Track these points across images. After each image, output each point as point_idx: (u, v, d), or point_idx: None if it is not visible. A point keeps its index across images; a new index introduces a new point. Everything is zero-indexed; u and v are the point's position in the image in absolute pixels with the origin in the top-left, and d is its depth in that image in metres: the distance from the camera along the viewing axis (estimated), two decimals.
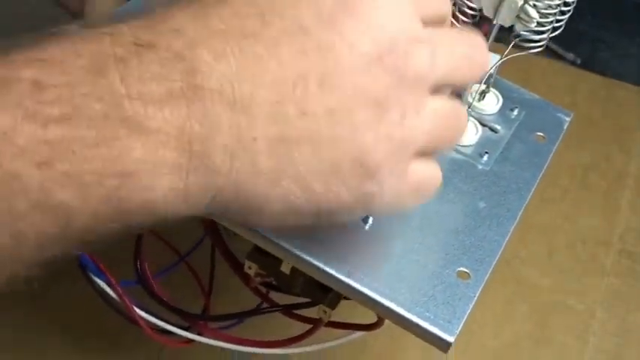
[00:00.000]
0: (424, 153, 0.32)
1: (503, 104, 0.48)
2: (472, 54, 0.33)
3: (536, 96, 0.50)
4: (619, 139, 0.80)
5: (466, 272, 0.38)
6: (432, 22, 0.32)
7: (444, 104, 0.32)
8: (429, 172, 0.34)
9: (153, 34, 0.28)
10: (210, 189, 0.29)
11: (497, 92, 0.48)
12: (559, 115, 0.49)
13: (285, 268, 0.40)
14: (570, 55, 0.87)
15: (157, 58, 0.28)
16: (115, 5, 0.52)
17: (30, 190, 0.26)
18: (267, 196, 0.30)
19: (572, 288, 0.66)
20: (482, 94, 0.47)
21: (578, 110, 0.79)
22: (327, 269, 0.36)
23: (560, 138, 0.48)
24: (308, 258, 0.36)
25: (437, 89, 0.32)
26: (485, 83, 0.47)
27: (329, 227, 0.35)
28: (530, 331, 0.62)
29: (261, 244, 0.37)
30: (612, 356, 0.62)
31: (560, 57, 0.87)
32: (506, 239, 0.41)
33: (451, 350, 0.40)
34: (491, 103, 0.48)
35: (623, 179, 0.76)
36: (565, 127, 0.49)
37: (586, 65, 0.86)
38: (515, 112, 0.48)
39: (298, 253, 0.36)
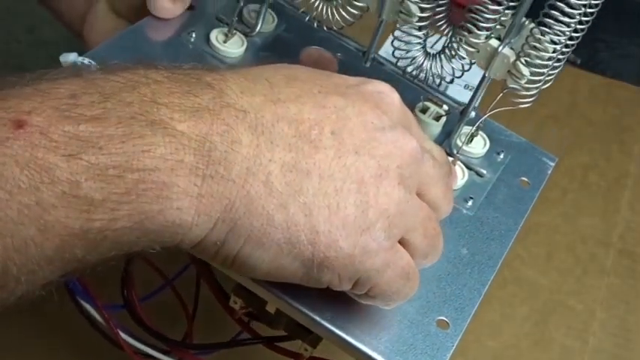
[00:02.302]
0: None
1: (490, 147, 0.48)
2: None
3: (523, 139, 0.50)
4: (619, 139, 0.79)
5: (446, 321, 0.39)
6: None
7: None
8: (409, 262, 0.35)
9: (185, 70, 0.32)
10: (222, 199, 0.30)
11: (484, 135, 0.48)
12: (544, 159, 0.50)
13: (270, 308, 0.40)
14: (570, 55, 0.87)
15: (188, 82, 0.31)
16: (114, 27, 0.52)
17: (58, 181, 0.27)
18: (272, 219, 0.31)
19: (572, 288, 0.66)
20: (471, 138, 0.47)
21: (578, 110, 0.80)
22: (310, 314, 0.37)
23: (544, 184, 0.48)
24: (292, 302, 0.37)
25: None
26: (474, 127, 0.47)
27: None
28: (530, 331, 0.62)
29: (248, 285, 0.38)
30: (612, 356, 0.62)
31: None
32: (486, 288, 0.42)
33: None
34: (479, 146, 0.48)
35: (622, 179, 0.76)
36: (549, 173, 0.49)
37: (586, 65, 0.86)
38: (502, 156, 0.49)
39: (283, 296, 0.37)
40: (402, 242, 0.35)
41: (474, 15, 0.40)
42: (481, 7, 0.39)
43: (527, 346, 0.62)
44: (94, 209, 0.28)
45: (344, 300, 0.37)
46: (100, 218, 0.28)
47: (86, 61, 0.42)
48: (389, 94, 0.36)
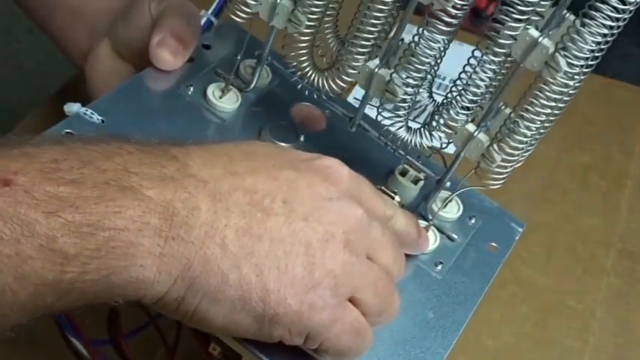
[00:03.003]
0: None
1: (463, 212, 0.50)
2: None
3: (495, 204, 0.52)
4: (619, 139, 0.79)
5: None
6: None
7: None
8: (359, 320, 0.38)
9: (154, 144, 0.36)
10: (182, 258, 0.34)
11: (459, 200, 0.50)
12: (513, 225, 0.51)
13: None
14: None
15: (156, 155, 0.35)
16: (115, 69, 0.53)
17: (37, 235, 0.30)
18: (227, 278, 0.34)
19: (572, 288, 0.66)
20: (446, 203, 0.49)
21: (578, 110, 0.80)
22: None
23: (510, 250, 0.50)
24: (264, 358, 0.39)
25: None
26: (451, 195, 0.49)
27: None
28: (530, 331, 0.62)
29: (224, 340, 0.40)
30: (612, 356, 0.62)
31: None
32: (448, 351, 0.43)
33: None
34: (453, 211, 0.49)
35: (623, 179, 0.76)
36: (516, 239, 0.50)
37: None
38: (473, 221, 0.50)
39: (258, 354, 0.39)
40: (353, 301, 0.37)
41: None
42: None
43: (527, 346, 0.62)
44: (67, 262, 0.31)
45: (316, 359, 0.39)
46: (71, 271, 0.31)
47: (88, 112, 0.45)
48: (337, 168, 0.39)
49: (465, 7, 0.40)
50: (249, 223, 0.35)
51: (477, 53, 0.41)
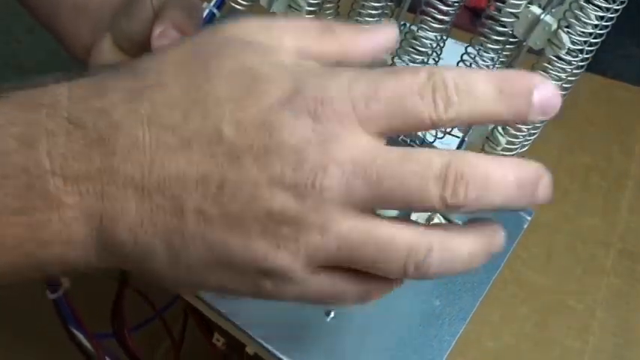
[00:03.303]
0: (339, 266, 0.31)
1: None
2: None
3: None
4: (619, 139, 0.79)
5: None
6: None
7: (353, 229, 0.29)
8: (330, 289, 0.31)
9: (85, 110, 0.31)
10: (115, 259, 0.32)
11: None
12: (522, 213, 0.50)
13: (250, 350, 0.41)
14: None
15: (82, 138, 0.30)
16: (115, 62, 0.53)
17: None
18: (164, 276, 0.32)
19: (572, 288, 0.66)
20: None
21: (578, 110, 0.80)
22: (284, 358, 0.38)
23: (519, 238, 0.48)
24: (268, 346, 0.38)
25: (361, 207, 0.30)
26: None
27: (290, 314, 0.37)
28: (530, 331, 0.62)
29: (227, 328, 0.39)
30: (612, 356, 0.62)
31: None
32: (456, 339, 0.42)
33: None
34: None
35: (623, 179, 0.76)
36: (525, 227, 0.49)
37: (587, 66, 0.85)
38: None
39: (260, 340, 0.38)
40: None
41: None
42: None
43: (527, 347, 0.62)
44: None
45: (320, 345, 0.39)
46: None
47: None
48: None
49: (455, 4, 0.40)
50: (180, 223, 0.30)
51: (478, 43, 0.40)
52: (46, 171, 0.30)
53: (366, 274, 0.31)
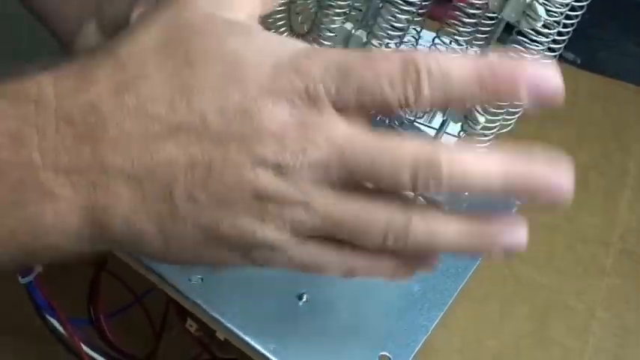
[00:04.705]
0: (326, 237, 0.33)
1: None
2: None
3: None
4: (619, 138, 0.79)
5: (388, 357, 0.39)
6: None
7: (334, 204, 0.32)
8: (316, 258, 0.33)
9: (73, 106, 0.31)
10: (109, 246, 0.33)
11: None
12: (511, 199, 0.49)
13: (220, 335, 0.40)
14: (570, 55, 0.87)
15: (72, 132, 0.31)
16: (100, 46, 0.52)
17: None
18: (159, 258, 0.33)
19: (572, 288, 0.66)
20: None
21: (578, 110, 0.80)
22: (253, 343, 0.38)
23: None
24: (237, 331, 0.38)
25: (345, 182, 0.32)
26: None
27: (261, 299, 0.38)
28: (530, 331, 0.62)
29: (196, 312, 0.39)
30: (612, 356, 0.62)
31: (559, 57, 0.87)
32: (434, 325, 0.41)
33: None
34: None
35: (623, 179, 0.76)
36: (513, 211, 0.48)
37: (586, 65, 0.86)
38: (467, 193, 0.49)
39: (228, 325, 0.38)
40: None
41: None
42: None
43: (527, 346, 0.62)
44: None
45: (291, 330, 0.38)
46: None
47: None
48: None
49: None
50: (171, 207, 0.32)
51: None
52: (38, 166, 0.31)
53: (354, 247, 0.33)
